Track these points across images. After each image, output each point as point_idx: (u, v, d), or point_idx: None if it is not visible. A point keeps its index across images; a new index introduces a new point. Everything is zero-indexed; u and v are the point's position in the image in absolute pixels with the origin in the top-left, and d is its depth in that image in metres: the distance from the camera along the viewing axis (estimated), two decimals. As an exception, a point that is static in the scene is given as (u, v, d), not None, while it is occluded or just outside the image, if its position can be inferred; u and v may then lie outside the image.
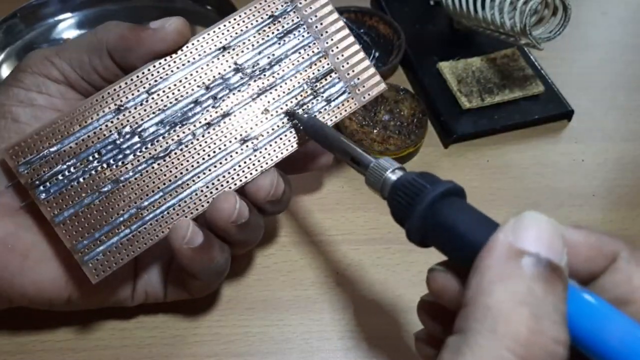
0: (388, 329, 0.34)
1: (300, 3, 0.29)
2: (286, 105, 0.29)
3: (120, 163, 0.27)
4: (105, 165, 0.27)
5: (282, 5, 0.29)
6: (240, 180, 0.28)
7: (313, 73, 0.29)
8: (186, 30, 0.28)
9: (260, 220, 0.30)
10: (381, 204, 0.39)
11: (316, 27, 0.29)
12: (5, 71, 0.49)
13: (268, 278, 0.36)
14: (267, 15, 0.29)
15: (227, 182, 0.28)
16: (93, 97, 0.27)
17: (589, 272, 0.17)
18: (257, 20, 0.29)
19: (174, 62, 0.28)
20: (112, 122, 0.27)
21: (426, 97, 0.47)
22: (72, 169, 0.27)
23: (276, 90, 0.29)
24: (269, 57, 0.29)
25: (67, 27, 0.52)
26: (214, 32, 0.28)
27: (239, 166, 0.28)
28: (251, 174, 0.28)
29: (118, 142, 0.27)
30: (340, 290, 0.36)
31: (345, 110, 0.29)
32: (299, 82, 0.29)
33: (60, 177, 0.26)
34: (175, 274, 0.31)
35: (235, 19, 0.29)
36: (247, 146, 0.28)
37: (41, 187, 0.26)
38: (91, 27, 0.52)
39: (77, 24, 0.52)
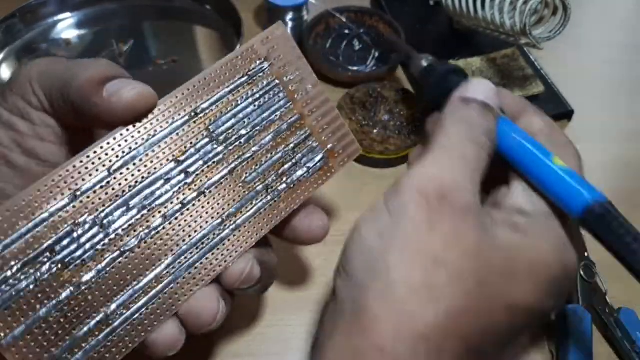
0: (388, 329, 0.34)
1: (275, 60, 0.27)
2: (264, 176, 0.26)
3: (80, 262, 0.22)
4: (61, 266, 0.22)
5: (256, 63, 0.26)
6: (220, 266, 0.25)
7: (291, 139, 0.27)
8: (143, 103, 0.24)
9: (229, 309, 0.27)
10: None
11: (292, 87, 0.27)
12: (5, 71, 0.49)
13: (268, 278, 0.36)
14: (241, 74, 0.26)
15: (206, 269, 0.25)
16: (41, 182, 0.22)
17: (511, 117, 0.27)
18: (230, 80, 0.26)
19: (138, 132, 0.24)
20: (67, 211, 0.22)
21: (426, 97, 0.47)
22: (19, 275, 0.21)
23: (254, 159, 0.26)
24: (244, 122, 0.26)
25: (66, 26, 0.52)
26: (184, 94, 0.25)
27: (218, 249, 0.25)
28: (230, 256, 0.25)
29: (75, 235, 0.22)
30: (341, 290, 0.36)
31: (326, 177, 0.28)
32: (277, 150, 0.27)
33: (4, 287, 0.21)
34: None
35: (206, 79, 0.25)
36: (225, 225, 0.25)
37: None
38: (90, 27, 0.52)
39: (76, 23, 0.52)
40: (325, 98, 0.28)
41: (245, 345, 0.33)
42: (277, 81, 0.27)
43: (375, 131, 0.43)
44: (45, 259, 0.22)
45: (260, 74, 0.26)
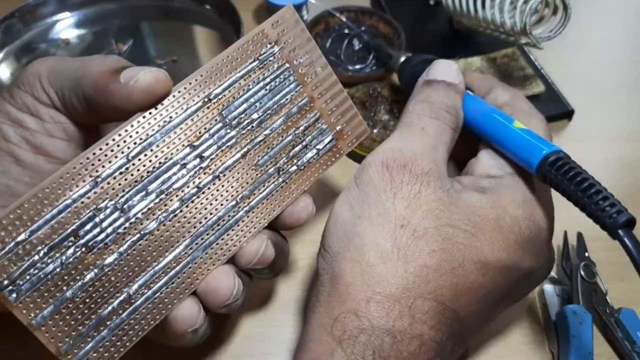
0: (388, 329, 0.34)
1: (285, 43, 0.27)
2: (276, 159, 0.27)
3: (102, 245, 0.23)
4: (85, 250, 0.23)
5: (266, 47, 0.27)
6: (235, 246, 0.26)
7: (301, 121, 0.28)
8: (159, 86, 0.24)
9: (247, 291, 0.28)
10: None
11: (301, 70, 0.28)
12: (4, 71, 0.48)
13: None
14: (252, 59, 0.26)
15: (222, 249, 0.26)
16: (64, 170, 0.23)
17: (479, 94, 0.31)
18: (241, 65, 0.26)
19: (155, 119, 0.24)
20: (89, 197, 0.23)
21: (426, 97, 0.47)
22: (46, 259, 0.22)
23: (265, 142, 0.27)
24: (256, 106, 0.27)
25: (65, 26, 0.52)
26: (197, 80, 0.25)
27: (233, 230, 0.26)
28: (245, 237, 0.26)
29: (98, 220, 0.23)
30: (340, 290, 0.36)
31: (335, 158, 0.29)
32: (288, 133, 0.27)
33: (33, 271, 0.22)
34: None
35: (218, 64, 0.26)
36: (240, 207, 0.26)
37: (10, 287, 0.22)
38: (90, 27, 0.52)
39: (75, 23, 0.52)
40: (334, 80, 0.29)
41: (245, 345, 0.33)
42: (287, 65, 0.27)
43: (375, 131, 0.43)
44: (70, 243, 0.23)
45: (271, 58, 0.27)
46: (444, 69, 0.29)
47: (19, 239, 0.22)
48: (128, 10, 0.54)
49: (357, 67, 0.49)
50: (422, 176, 0.25)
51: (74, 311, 0.23)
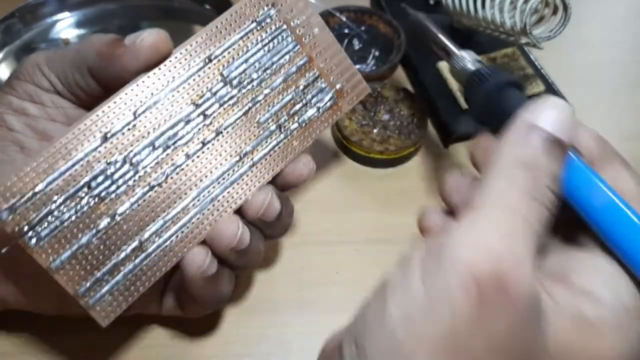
0: (388, 329, 0.34)
1: (282, 5, 0.28)
2: (277, 116, 0.28)
3: (114, 195, 0.25)
4: (98, 200, 0.25)
5: (264, 9, 0.28)
6: (241, 199, 0.27)
7: (300, 80, 0.29)
8: (162, 44, 0.26)
9: (260, 245, 0.29)
10: (381, 204, 0.39)
11: (299, 31, 0.29)
12: (4, 71, 0.48)
13: (268, 278, 0.36)
14: (250, 20, 0.28)
15: (228, 201, 0.27)
16: (75, 126, 0.25)
17: (590, 162, 0.21)
18: (240, 27, 0.28)
19: (158, 79, 0.26)
20: (99, 151, 0.25)
21: (426, 97, 0.47)
22: (62, 208, 0.24)
23: (266, 101, 0.28)
24: (255, 66, 0.28)
25: (65, 26, 0.52)
26: (197, 42, 0.27)
27: (237, 184, 0.27)
28: (250, 190, 0.27)
29: (109, 172, 0.25)
30: (340, 290, 0.36)
31: (336, 115, 0.29)
32: (287, 92, 0.28)
33: (50, 218, 0.24)
34: (173, 292, 0.31)
35: (217, 27, 0.27)
36: (243, 162, 0.27)
37: (30, 233, 0.24)
38: (89, 27, 0.52)
39: (75, 23, 0.52)
40: (332, 40, 0.29)
41: (245, 345, 0.33)
42: (284, 26, 0.28)
43: (375, 131, 0.43)
44: (83, 194, 0.25)
45: (268, 20, 0.28)
46: (557, 115, 0.20)
47: (37, 189, 0.24)
48: (128, 10, 0.53)
49: (357, 67, 0.49)
50: (519, 306, 0.17)
51: (89, 257, 0.25)
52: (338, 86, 0.29)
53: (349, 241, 0.38)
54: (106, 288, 0.25)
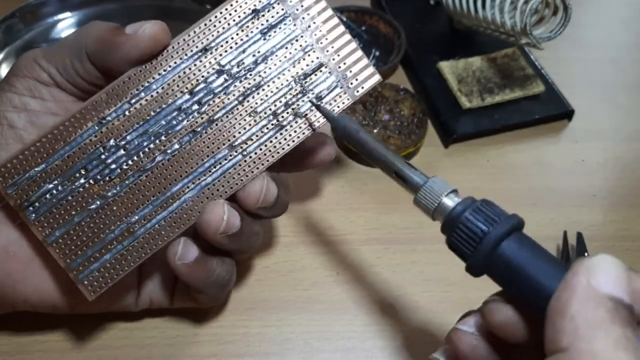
0: (388, 329, 0.34)
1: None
2: (275, 105, 0.27)
3: (107, 178, 0.26)
4: (92, 182, 0.26)
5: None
6: (231, 188, 0.27)
7: (302, 69, 0.27)
8: (163, 35, 0.26)
9: (254, 227, 0.29)
10: (381, 204, 0.39)
11: (303, 17, 0.27)
12: (5, 71, 0.48)
13: (268, 278, 0.36)
14: (249, 9, 0.27)
15: (218, 190, 0.27)
16: (75, 112, 0.26)
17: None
18: (238, 17, 0.27)
19: (155, 68, 0.27)
20: (95, 136, 0.26)
21: (426, 97, 0.47)
22: (59, 188, 0.26)
23: (263, 90, 0.27)
24: (253, 55, 0.27)
25: (66, 26, 0.52)
26: (194, 32, 0.27)
27: (229, 173, 0.27)
28: (242, 180, 0.27)
29: (103, 156, 0.26)
30: (340, 290, 0.36)
31: (339, 106, 0.27)
32: (287, 80, 0.27)
33: (48, 196, 0.26)
34: (183, 283, 0.31)
35: (215, 17, 0.27)
36: (236, 152, 0.27)
37: (30, 208, 0.26)
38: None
39: (76, 23, 0.52)
40: (339, 27, 0.28)
41: (245, 345, 0.33)
42: (286, 14, 0.27)
43: (375, 131, 0.43)
44: (79, 175, 0.26)
45: (268, 8, 0.27)
46: (621, 278, 0.18)
47: (38, 168, 0.26)
48: (128, 10, 0.53)
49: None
50: None
51: (81, 234, 0.26)
52: (344, 75, 0.27)
53: (349, 241, 0.38)
54: (95, 265, 0.26)
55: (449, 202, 0.21)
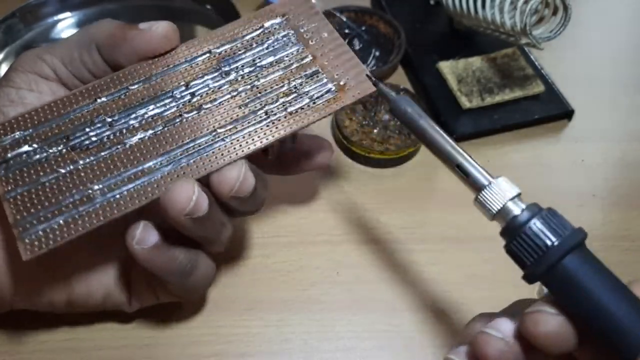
0: (388, 329, 0.34)
1: (292, 15, 0.29)
2: (265, 102, 0.27)
3: (84, 147, 0.27)
4: (69, 149, 0.27)
5: (274, 19, 0.30)
6: (205, 169, 0.26)
7: (299, 74, 0.28)
8: (173, 35, 0.28)
9: (223, 218, 0.28)
10: (381, 204, 0.39)
11: (306, 35, 0.29)
12: (5, 71, 0.48)
13: (268, 278, 0.36)
14: (257, 26, 0.29)
15: (191, 170, 0.26)
16: (76, 90, 0.28)
17: None
18: (247, 31, 0.29)
19: (160, 63, 0.28)
20: (87, 111, 0.27)
21: (426, 97, 0.47)
22: (38, 151, 0.27)
23: (257, 88, 0.28)
24: (254, 60, 0.29)
25: (66, 26, 0.52)
26: (203, 39, 0.29)
27: (206, 155, 0.26)
28: (217, 163, 0.26)
29: (87, 129, 0.27)
30: (340, 290, 0.36)
31: (335, 106, 0.28)
32: (282, 82, 0.28)
33: (24, 157, 0.27)
34: (140, 277, 0.30)
35: (228, 28, 0.29)
36: (216, 136, 0.27)
37: (3, 164, 0.26)
38: (90, 27, 0.52)
39: (76, 23, 0.52)
40: (341, 42, 0.29)
41: (245, 345, 0.33)
42: (292, 31, 0.29)
43: (375, 131, 0.43)
44: (59, 142, 0.27)
45: (276, 27, 0.29)
46: None
47: (26, 132, 0.27)
48: (129, 10, 0.54)
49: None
50: None
51: (41, 194, 0.26)
52: (342, 82, 0.28)
53: (349, 241, 0.38)
54: (43, 225, 0.25)
55: (514, 207, 0.21)
